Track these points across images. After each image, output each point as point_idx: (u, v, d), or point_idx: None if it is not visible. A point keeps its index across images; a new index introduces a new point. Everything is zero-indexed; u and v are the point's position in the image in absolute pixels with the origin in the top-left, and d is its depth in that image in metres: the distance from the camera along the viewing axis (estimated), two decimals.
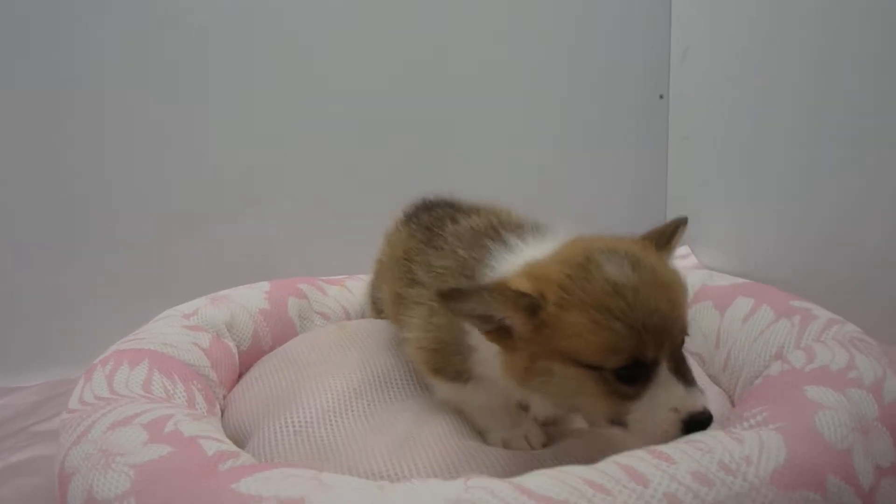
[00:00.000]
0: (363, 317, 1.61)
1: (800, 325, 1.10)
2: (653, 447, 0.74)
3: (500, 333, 0.82)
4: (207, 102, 1.85)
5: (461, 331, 0.93)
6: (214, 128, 1.87)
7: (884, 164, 1.44)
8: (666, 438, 0.76)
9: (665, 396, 0.78)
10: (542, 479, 0.68)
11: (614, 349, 0.76)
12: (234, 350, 1.31)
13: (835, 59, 1.55)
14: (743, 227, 1.91)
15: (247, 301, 1.41)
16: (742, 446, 0.73)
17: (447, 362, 0.97)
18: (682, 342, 0.82)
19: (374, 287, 1.43)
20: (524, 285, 0.80)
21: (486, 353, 0.89)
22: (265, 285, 1.51)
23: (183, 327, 1.22)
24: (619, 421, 0.80)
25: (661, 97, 2.21)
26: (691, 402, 0.78)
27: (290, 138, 1.93)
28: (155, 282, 1.83)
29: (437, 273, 1.01)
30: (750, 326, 1.18)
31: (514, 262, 0.89)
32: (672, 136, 2.21)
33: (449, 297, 0.78)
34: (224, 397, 1.19)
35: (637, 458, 0.72)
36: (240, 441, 1.04)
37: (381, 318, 1.38)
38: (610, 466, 0.70)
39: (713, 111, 2.01)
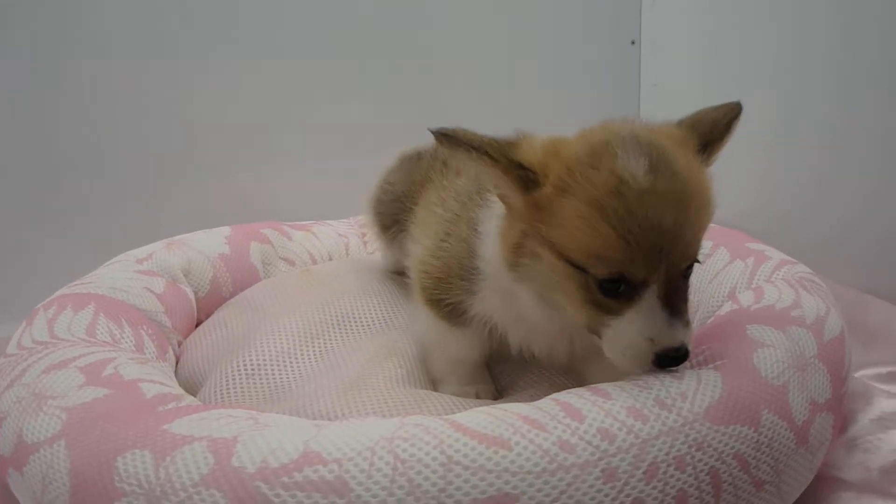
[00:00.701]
0: (330, 260, 1.60)
1: (753, 266, 1.11)
2: (594, 385, 0.75)
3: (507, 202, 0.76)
4: (177, 55, 1.80)
5: (471, 254, 0.86)
6: (182, 77, 1.82)
7: (863, 110, 1.44)
8: (634, 364, 0.73)
9: (644, 323, 0.70)
10: (479, 416, 0.68)
11: (599, 256, 0.68)
12: (192, 296, 1.29)
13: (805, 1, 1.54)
14: (715, 175, 1.91)
15: (205, 246, 1.39)
16: (680, 383, 0.73)
17: (446, 293, 0.90)
18: (688, 269, 0.74)
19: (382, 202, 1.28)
20: (527, 155, 0.71)
21: (493, 281, 0.83)
22: (225, 230, 1.49)
23: (135, 272, 1.20)
24: (595, 331, 0.74)
25: (633, 43, 2.19)
26: (669, 337, 0.71)
27: (255, 89, 1.89)
28: (115, 232, 1.79)
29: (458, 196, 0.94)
30: (707, 268, 1.19)
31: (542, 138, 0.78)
32: (644, 82, 2.20)
33: (441, 139, 0.71)
34: (179, 344, 1.19)
35: (575, 395, 0.73)
36: (194, 387, 1.04)
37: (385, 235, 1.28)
38: (548, 403, 0.71)
39: (685, 57, 2.00)
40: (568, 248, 0.70)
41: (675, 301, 0.71)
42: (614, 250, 0.67)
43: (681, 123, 0.79)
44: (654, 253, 0.67)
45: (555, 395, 0.73)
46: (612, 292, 0.70)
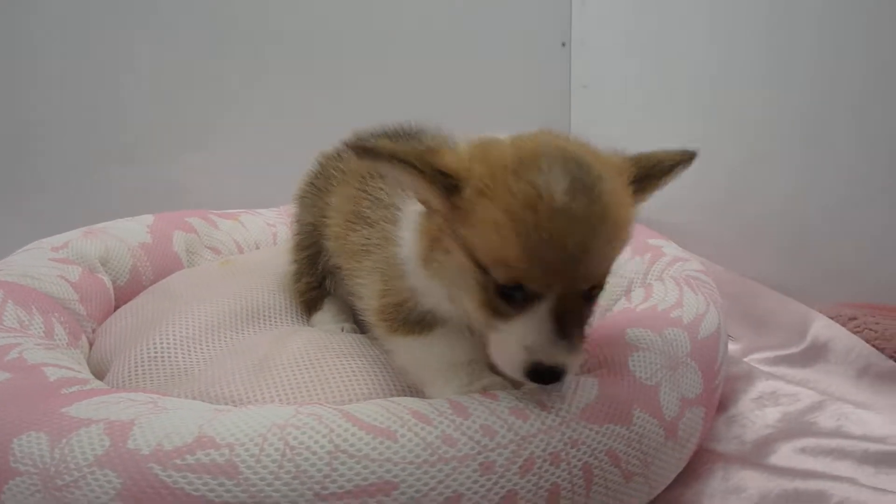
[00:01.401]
0: (257, 249, 1.62)
1: (649, 262, 1.21)
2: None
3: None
4: (105, 44, 1.78)
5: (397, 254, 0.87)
6: (110, 66, 1.80)
7: (787, 109, 1.54)
8: (510, 371, 0.75)
9: (527, 333, 0.71)
10: (372, 408, 0.73)
11: (502, 262, 0.70)
12: (109, 285, 1.30)
13: (734, 5, 1.63)
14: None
15: (126, 234, 1.39)
16: (561, 386, 0.80)
17: (399, 307, 0.89)
18: (591, 293, 0.75)
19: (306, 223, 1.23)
20: (451, 162, 0.73)
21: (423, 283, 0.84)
22: (148, 218, 1.48)
23: (50, 260, 1.20)
24: (485, 332, 0.77)
25: (563, 45, 2.24)
26: (547, 353, 0.71)
27: (184, 78, 1.88)
28: (39, 220, 1.77)
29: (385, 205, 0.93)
30: None
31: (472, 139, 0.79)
32: (574, 83, 2.25)
33: (360, 153, 0.72)
34: (94, 331, 1.19)
35: (466, 395, 0.78)
36: (103, 372, 1.05)
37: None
38: (440, 401, 0.77)
39: (614, 59, 2.06)
40: (476, 249, 0.71)
41: (566, 321, 0.71)
42: (517, 260, 0.68)
43: (631, 156, 0.80)
44: (554, 270, 0.69)
45: (450, 396, 0.79)
46: (509, 298, 0.72)
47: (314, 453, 0.66)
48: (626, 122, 1.99)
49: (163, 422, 0.68)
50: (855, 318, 1.33)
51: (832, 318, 1.34)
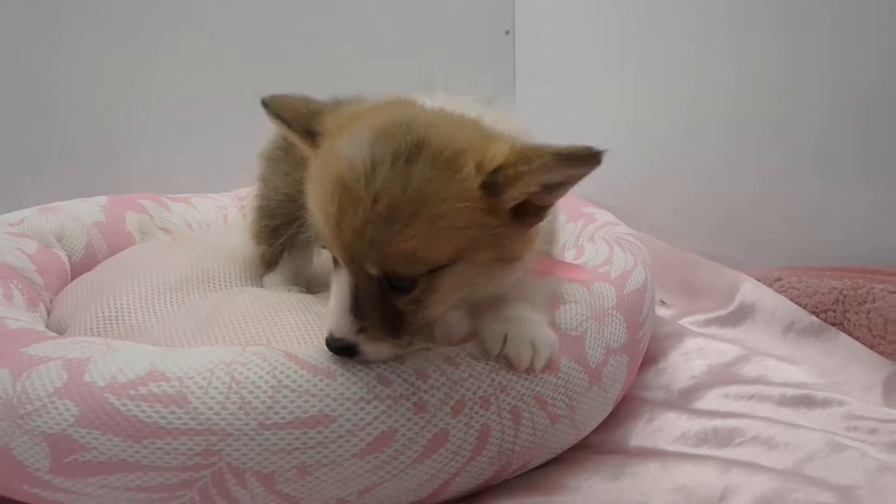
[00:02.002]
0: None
1: (581, 227, 1.29)
2: None
3: None
4: (60, 24, 1.80)
5: None
6: (66, 46, 1.81)
7: (713, 101, 1.65)
8: None
9: (332, 296, 0.75)
10: (313, 350, 0.79)
11: (319, 221, 0.72)
12: (65, 259, 1.33)
13: None
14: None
15: (80, 213, 1.43)
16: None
17: None
18: (393, 282, 0.72)
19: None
20: (326, 123, 0.75)
21: None
22: (101, 199, 1.53)
23: (7, 233, 1.24)
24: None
25: (507, 33, 2.28)
26: (334, 325, 0.73)
27: (137, 64, 1.91)
28: None
29: None
30: None
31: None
32: (519, 70, 2.30)
33: (265, 107, 0.78)
34: (51, 301, 1.23)
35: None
36: (61, 334, 1.09)
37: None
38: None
39: (557, 46, 2.12)
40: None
41: (361, 300, 0.71)
42: (317, 222, 0.73)
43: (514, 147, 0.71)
44: (335, 241, 0.69)
45: None
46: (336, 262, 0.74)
47: (258, 387, 0.72)
48: (571, 108, 2.05)
49: (116, 359, 0.74)
50: (780, 279, 1.43)
51: (759, 281, 1.45)
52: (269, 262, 1.22)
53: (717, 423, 0.98)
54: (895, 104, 1.32)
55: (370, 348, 0.74)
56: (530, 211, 0.73)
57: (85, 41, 1.83)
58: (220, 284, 1.19)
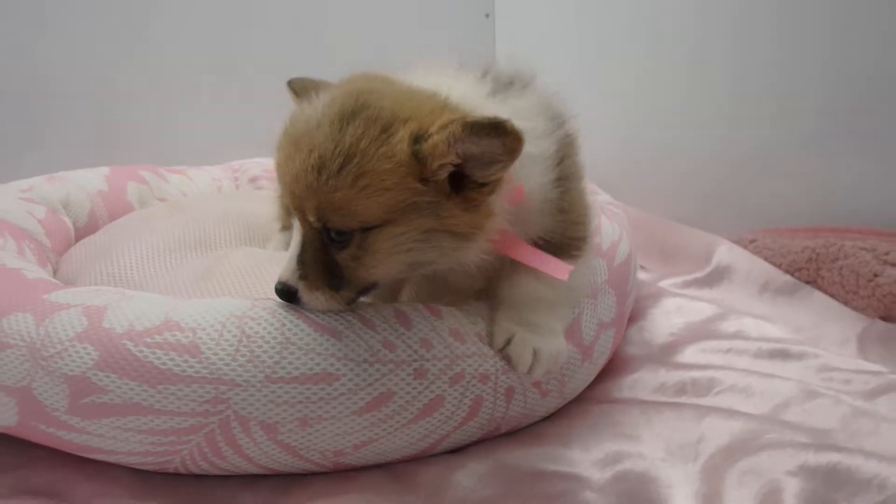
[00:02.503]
0: None
1: None
2: (433, 304, 0.89)
3: None
4: None
5: None
6: (66, 18, 1.86)
7: (669, 77, 1.72)
8: None
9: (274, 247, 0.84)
10: None
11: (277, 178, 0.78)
12: (70, 225, 1.37)
13: None
14: None
15: (84, 182, 1.47)
16: None
17: None
18: (332, 235, 0.75)
19: None
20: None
21: None
22: (104, 170, 1.57)
23: (18, 199, 1.27)
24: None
25: (487, 16, 2.29)
26: (283, 269, 0.78)
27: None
28: None
29: None
30: None
31: None
32: (499, 54, 2.29)
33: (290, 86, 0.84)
34: (56, 263, 1.27)
35: (412, 308, 0.86)
36: None
37: None
38: (387, 309, 0.85)
39: (538, 30, 2.13)
40: None
41: (306, 250, 0.76)
42: (278, 175, 0.77)
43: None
44: (285, 190, 0.75)
45: (397, 305, 0.87)
46: (287, 210, 0.79)
47: (267, 342, 0.76)
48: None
49: (132, 307, 0.78)
50: (754, 241, 1.48)
51: (735, 243, 1.49)
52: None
53: (696, 374, 1.02)
54: (872, 84, 1.38)
55: (307, 296, 0.78)
56: (470, 185, 0.74)
57: (86, 21, 1.87)
58: (215, 245, 1.22)
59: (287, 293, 0.77)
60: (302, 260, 0.76)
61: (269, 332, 0.77)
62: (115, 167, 1.60)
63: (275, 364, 0.76)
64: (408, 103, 0.74)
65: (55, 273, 1.21)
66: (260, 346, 0.76)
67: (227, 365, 0.74)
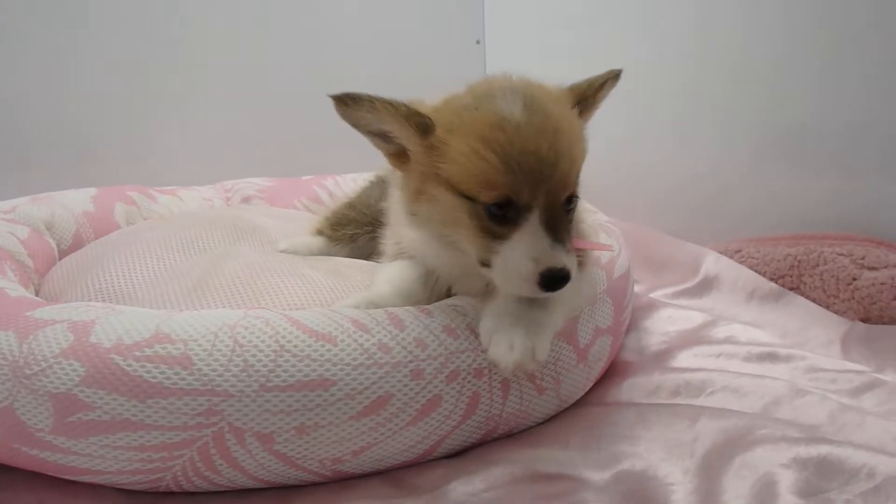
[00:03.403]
0: None
1: None
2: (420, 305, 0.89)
3: (400, 157, 0.85)
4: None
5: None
6: (54, 41, 1.84)
7: (662, 93, 1.74)
8: (522, 286, 0.78)
9: (529, 244, 0.77)
10: (314, 315, 0.81)
11: (487, 182, 0.76)
12: (54, 246, 1.34)
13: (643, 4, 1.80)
14: None
15: (70, 202, 1.45)
16: None
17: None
18: (569, 200, 0.81)
19: None
20: (422, 107, 0.81)
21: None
22: (91, 190, 1.55)
23: (0, 220, 1.25)
24: (486, 261, 0.81)
25: (478, 42, 2.32)
26: (552, 258, 0.76)
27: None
28: None
29: None
30: None
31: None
32: None
33: (343, 102, 0.79)
34: (39, 284, 1.24)
35: (403, 310, 0.86)
36: None
37: None
38: (380, 312, 0.84)
39: (529, 55, 2.16)
40: (459, 180, 0.78)
41: (557, 228, 0.78)
42: (500, 174, 0.76)
43: (567, 87, 0.90)
44: (533, 177, 0.76)
45: (389, 308, 0.86)
46: (501, 218, 0.78)
47: (261, 351, 0.75)
48: None
49: (122, 321, 0.76)
50: (740, 251, 1.51)
51: (721, 253, 1.53)
52: (319, 231, 1.34)
53: (689, 376, 1.04)
54: (840, 105, 1.41)
55: (574, 268, 0.78)
56: None
57: (76, 41, 1.86)
58: (201, 248, 1.21)
59: (567, 278, 0.77)
60: (557, 238, 0.77)
61: (263, 341, 0.76)
62: (102, 188, 1.59)
63: (269, 372, 0.74)
64: (536, 84, 0.86)
65: (38, 293, 1.19)
66: (254, 355, 0.74)
67: (220, 376, 0.73)
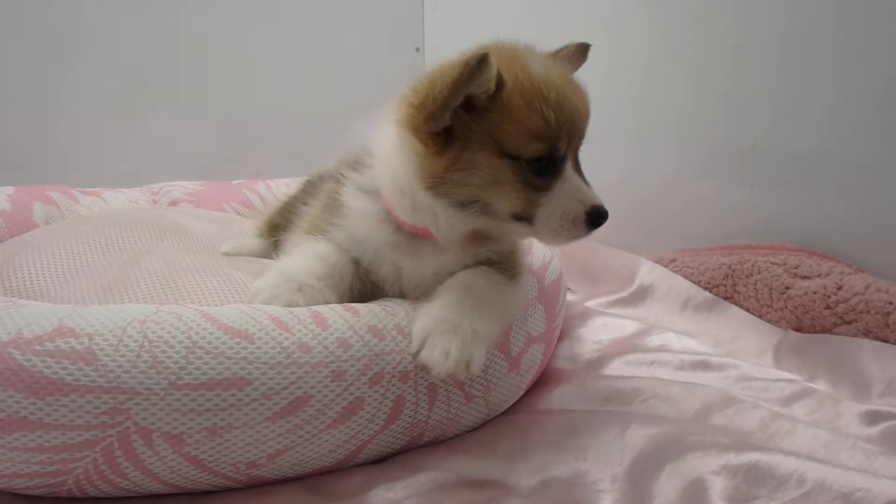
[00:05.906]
0: None
1: None
2: (349, 304, 0.86)
3: (437, 135, 0.82)
4: None
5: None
6: None
7: (620, 110, 1.74)
8: (570, 231, 0.84)
9: (572, 189, 0.84)
10: (231, 311, 0.78)
11: (539, 136, 0.81)
12: None
13: (584, 11, 1.82)
14: None
15: None
16: None
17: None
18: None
19: None
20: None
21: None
22: (8, 189, 1.49)
23: None
24: (528, 214, 0.84)
25: (417, 50, 2.34)
26: (593, 196, 0.85)
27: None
28: None
29: None
30: None
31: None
32: None
33: (485, 63, 0.77)
34: None
35: (328, 308, 0.83)
36: None
37: None
38: (302, 310, 0.81)
39: None
40: (509, 138, 0.81)
41: (581, 172, 0.88)
42: (552, 129, 0.81)
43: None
44: (573, 129, 0.84)
45: (313, 307, 0.83)
46: (542, 171, 0.83)
47: (171, 347, 0.71)
48: None
49: (23, 314, 0.71)
50: (674, 260, 1.53)
51: (656, 262, 1.54)
52: (260, 233, 1.36)
53: (620, 384, 1.04)
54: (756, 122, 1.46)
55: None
56: None
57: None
58: (121, 246, 1.17)
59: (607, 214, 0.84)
60: (586, 180, 0.86)
61: (175, 336, 0.72)
62: (20, 187, 1.53)
63: (180, 370, 0.70)
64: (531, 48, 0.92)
65: None
66: (164, 352, 0.71)
67: (126, 372, 0.69)
